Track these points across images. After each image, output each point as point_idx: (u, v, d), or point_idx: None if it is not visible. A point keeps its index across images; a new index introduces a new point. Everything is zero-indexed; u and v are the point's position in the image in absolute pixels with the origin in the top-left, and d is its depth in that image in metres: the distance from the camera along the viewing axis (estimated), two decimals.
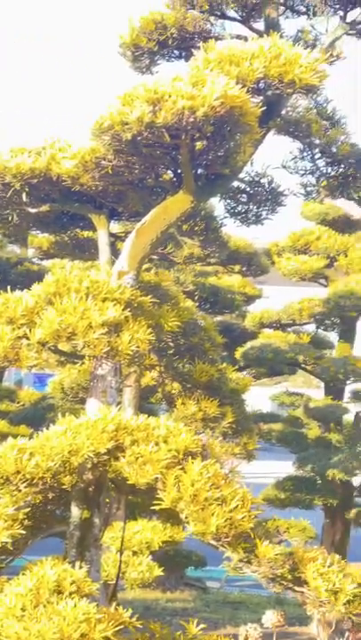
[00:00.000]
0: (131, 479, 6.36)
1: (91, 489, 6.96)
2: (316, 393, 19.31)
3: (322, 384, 16.07)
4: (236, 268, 16.47)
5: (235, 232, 12.15)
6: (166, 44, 8.52)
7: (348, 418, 15.71)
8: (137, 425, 6.60)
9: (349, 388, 16.05)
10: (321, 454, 14.37)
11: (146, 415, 6.86)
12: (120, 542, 8.49)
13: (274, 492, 14.85)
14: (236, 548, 6.24)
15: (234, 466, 6.72)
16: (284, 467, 16.47)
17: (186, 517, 6.18)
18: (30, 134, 8.04)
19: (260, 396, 21.81)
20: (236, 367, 14.65)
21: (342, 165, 8.64)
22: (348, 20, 8.30)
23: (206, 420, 8.05)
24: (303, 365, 15.36)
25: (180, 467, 6.32)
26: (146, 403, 12.19)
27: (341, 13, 8.30)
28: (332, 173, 8.71)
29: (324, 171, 8.70)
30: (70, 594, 5.95)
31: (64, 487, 6.55)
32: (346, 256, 15.63)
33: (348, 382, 15.02)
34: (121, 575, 9.08)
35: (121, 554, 8.67)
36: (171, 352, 8.80)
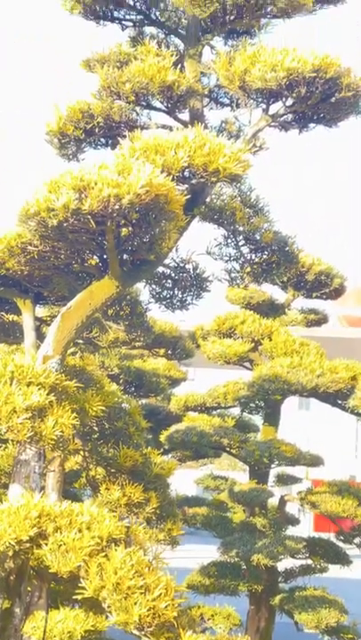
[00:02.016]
0: (53, 568, 6.27)
1: (12, 578, 6.83)
2: (242, 476, 19.33)
3: (247, 467, 16.08)
4: (162, 351, 16.54)
5: (160, 315, 12.25)
6: (93, 132, 8.65)
7: (273, 502, 15.71)
8: (60, 511, 6.53)
9: (274, 471, 16.08)
10: (246, 539, 14.30)
11: (70, 501, 6.79)
12: (42, 632, 8.30)
13: (198, 579, 14.70)
14: (160, 637, 6.16)
15: (158, 552, 6.65)
16: (209, 550, 16.34)
17: (108, 606, 6.10)
18: None
19: (184, 479, 21.73)
20: (161, 451, 14.60)
21: (266, 252, 8.79)
22: (271, 112, 8.53)
23: (130, 506, 7.99)
24: (228, 449, 15.37)
25: (104, 554, 6.25)
26: (70, 487, 12.06)
27: (264, 106, 8.52)
28: (256, 260, 8.85)
29: (249, 257, 8.84)
30: None
31: None
32: (270, 340, 15.80)
33: (272, 466, 15.05)
34: None
35: None
36: (95, 436, 8.75)
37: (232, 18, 8.43)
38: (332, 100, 8.25)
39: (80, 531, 6.31)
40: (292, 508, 17.74)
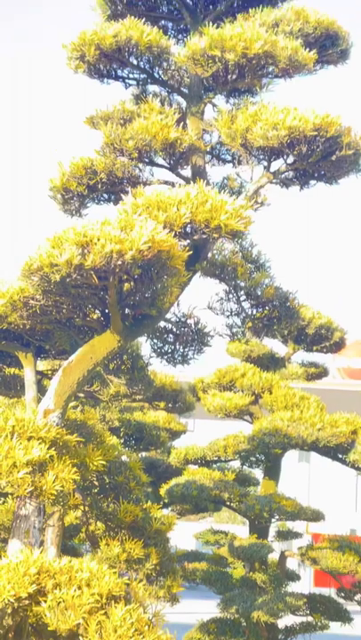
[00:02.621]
0: (52, 625, 6.21)
1: (10, 635, 6.76)
2: (242, 529, 19.19)
3: (247, 520, 15.98)
4: (162, 404, 16.53)
5: (160, 367, 12.28)
6: (96, 188, 8.74)
7: (274, 557, 15.59)
8: (60, 567, 6.49)
9: (274, 525, 15.97)
10: (246, 595, 14.16)
11: (69, 556, 6.76)
12: None
13: (198, 636, 14.53)
14: None
15: (157, 610, 6.60)
16: (209, 605, 16.16)
17: None
18: None
19: (184, 532, 21.57)
20: (161, 505, 14.54)
21: (267, 307, 8.85)
22: (272, 169, 8.63)
23: (130, 562, 7.94)
24: (228, 503, 15.28)
25: (103, 611, 6.20)
26: (69, 541, 11.98)
27: (265, 163, 8.63)
28: (257, 315, 8.90)
29: (250, 312, 8.89)
30: None
31: None
32: (270, 393, 15.79)
33: (273, 520, 14.96)
34: None
35: None
36: (95, 491, 8.73)
37: (234, 77, 8.55)
38: (333, 157, 8.35)
39: (79, 587, 6.27)
40: (292, 563, 17.60)
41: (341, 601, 15.39)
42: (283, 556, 15.52)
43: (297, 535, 16.89)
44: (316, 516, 15.17)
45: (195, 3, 9.09)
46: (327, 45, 9.01)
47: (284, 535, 16.43)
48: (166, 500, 16.02)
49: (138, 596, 6.62)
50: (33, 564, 6.42)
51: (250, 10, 8.71)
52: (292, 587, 15.81)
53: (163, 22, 9.40)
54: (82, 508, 8.63)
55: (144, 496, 9.14)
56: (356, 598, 15.05)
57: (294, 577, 16.74)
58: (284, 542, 17.37)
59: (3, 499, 8.84)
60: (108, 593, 6.28)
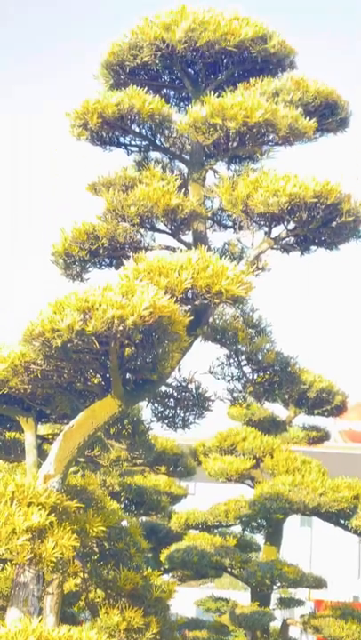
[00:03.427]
0: None
1: None
2: (243, 595, 18.93)
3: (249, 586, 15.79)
4: (163, 468, 16.43)
5: (161, 430, 12.26)
6: (98, 253, 8.80)
7: (275, 625, 15.38)
8: (59, 636, 6.41)
9: (276, 593, 15.77)
10: None
11: (68, 626, 6.67)
12: None
13: None
14: None
15: None
16: None
17: None
18: None
19: (184, 599, 21.28)
20: (162, 571, 14.37)
21: (268, 372, 8.85)
22: (273, 235, 8.71)
23: (130, 631, 7.84)
24: (229, 569, 15.12)
25: None
26: (68, 608, 11.82)
27: (266, 229, 8.70)
28: (258, 379, 8.90)
29: (251, 377, 8.90)
30: None
31: None
32: (272, 457, 15.71)
33: (274, 588, 14.78)
34: None
35: None
36: (95, 557, 8.65)
37: (235, 145, 8.66)
38: (333, 224, 8.43)
39: None
40: (294, 631, 17.33)
41: None
42: (285, 625, 15.31)
43: (299, 602, 16.69)
44: (318, 583, 14.99)
45: (196, 72, 9.24)
46: (327, 114, 9.15)
47: (287, 602, 16.22)
48: (167, 566, 15.85)
49: None
50: (32, 633, 6.34)
51: (250, 79, 8.85)
52: None
53: (165, 91, 9.55)
54: (81, 575, 8.55)
55: (144, 562, 9.06)
56: None
57: None
58: (286, 610, 17.13)
59: (2, 565, 8.74)
60: None
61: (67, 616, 11.04)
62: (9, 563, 7.61)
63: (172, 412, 8.67)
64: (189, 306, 7.94)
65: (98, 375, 7.83)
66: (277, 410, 17.37)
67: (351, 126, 9.37)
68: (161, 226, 8.86)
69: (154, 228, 8.87)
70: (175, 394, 8.67)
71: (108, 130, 8.97)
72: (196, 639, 15.96)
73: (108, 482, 14.77)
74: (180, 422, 8.63)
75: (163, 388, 8.56)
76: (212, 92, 8.71)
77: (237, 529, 17.13)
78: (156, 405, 8.72)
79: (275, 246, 8.78)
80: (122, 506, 15.61)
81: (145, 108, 8.67)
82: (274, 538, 15.77)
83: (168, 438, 16.01)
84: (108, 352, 7.26)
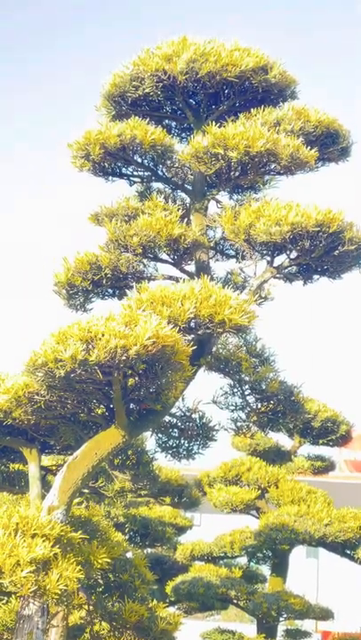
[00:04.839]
0: None
1: None
2: (250, 627, 18.74)
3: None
4: (168, 499, 16.35)
5: (165, 461, 12.23)
6: (100, 283, 8.80)
7: None
8: None
9: (283, 624, 15.64)
10: None
11: None
12: None
13: None
14: None
15: None
16: None
17: None
18: None
19: (191, 631, 21.08)
20: (167, 603, 14.27)
21: (272, 402, 8.81)
22: (275, 264, 8.71)
23: None
24: (235, 601, 15.00)
25: None
26: None
27: (269, 258, 8.70)
28: (262, 409, 8.85)
29: (255, 406, 8.85)
30: None
31: None
32: (277, 487, 15.65)
33: (281, 619, 14.66)
34: None
35: None
36: (100, 589, 8.59)
37: (237, 174, 8.69)
38: (336, 252, 8.43)
39: None
40: None
41: None
42: None
43: (306, 634, 16.55)
44: (325, 615, 14.87)
45: (198, 102, 9.29)
46: (328, 143, 9.18)
47: (293, 634, 16.08)
48: (172, 598, 15.73)
49: None
50: None
51: (252, 109, 8.89)
52: None
53: (166, 121, 9.59)
54: (86, 607, 8.48)
55: (150, 594, 8.99)
56: None
57: None
58: None
59: (6, 598, 8.68)
60: None
61: None
62: (13, 595, 7.56)
63: (177, 442, 8.64)
64: (192, 335, 7.93)
65: (101, 405, 7.80)
66: (282, 440, 17.33)
67: (353, 155, 9.40)
68: (164, 256, 8.87)
69: (156, 258, 8.87)
70: (179, 424, 8.64)
71: (111, 161, 9.00)
72: None
73: (112, 513, 14.70)
74: (185, 452, 8.59)
75: (167, 418, 8.53)
76: (213, 123, 8.74)
77: (243, 560, 17.02)
78: (160, 436, 8.69)
79: (277, 275, 8.78)
80: (127, 537, 15.53)
81: (147, 138, 8.71)
82: (280, 569, 15.66)
83: (173, 469, 15.96)
84: (111, 382, 7.24)
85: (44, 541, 6.96)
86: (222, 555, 16.35)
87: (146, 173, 9.30)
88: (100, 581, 8.47)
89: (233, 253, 9.47)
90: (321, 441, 16.64)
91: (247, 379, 8.65)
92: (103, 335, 6.82)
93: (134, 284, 8.28)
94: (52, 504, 7.56)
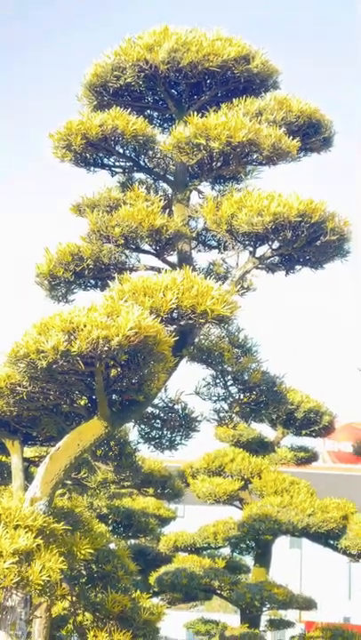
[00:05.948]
0: None
1: None
2: (233, 617, 18.81)
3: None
4: (151, 490, 16.36)
5: (149, 452, 12.22)
6: (82, 274, 8.78)
7: None
8: None
9: (266, 614, 15.68)
10: None
11: None
12: None
13: None
14: None
15: None
16: None
17: None
18: None
19: (174, 622, 21.15)
20: (150, 594, 14.29)
21: (254, 392, 8.80)
22: (258, 254, 8.70)
23: None
24: (219, 591, 15.04)
25: None
26: (57, 632, 11.72)
27: (251, 249, 8.69)
28: (245, 400, 8.85)
29: (237, 397, 8.85)
30: None
31: None
32: (260, 478, 15.67)
33: (264, 609, 14.70)
34: None
35: None
36: (83, 580, 8.59)
37: (219, 165, 8.67)
38: (318, 243, 8.43)
39: None
40: None
41: None
42: None
43: (289, 624, 16.61)
44: (308, 605, 14.92)
45: (179, 92, 9.26)
46: (310, 133, 9.17)
47: (277, 624, 16.13)
48: (156, 589, 15.76)
49: None
50: None
51: (234, 100, 8.87)
52: None
53: (148, 112, 9.56)
54: (69, 598, 8.48)
55: (133, 585, 8.99)
56: None
57: None
58: (276, 631, 17.03)
59: None
60: None
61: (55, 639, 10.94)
62: None
63: (159, 433, 8.63)
64: (175, 326, 7.92)
65: (84, 397, 7.79)
66: (265, 431, 17.36)
67: (335, 145, 9.40)
68: (146, 246, 8.85)
69: (138, 249, 8.85)
70: (162, 415, 8.64)
71: (92, 151, 8.97)
72: None
73: (95, 504, 14.69)
74: (167, 443, 8.59)
75: (149, 409, 8.52)
76: (195, 113, 8.73)
77: (226, 551, 17.06)
78: (142, 427, 8.68)
79: (260, 266, 8.77)
80: (110, 528, 15.54)
81: (128, 128, 8.68)
82: (263, 559, 15.71)
83: (156, 460, 15.96)
84: (93, 373, 7.22)
85: (26, 532, 6.95)
86: (206, 545, 16.37)
87: (128, 164, 9.27)
88: (84, 572, 8.46)
89: (215, 244, 9.46)
90: (304, 432, 16.67)
91: (230, 369, 8.64)
92: (85, 326, 6.80)
93: (116, 274, 8.26)
94: (34, 495, 7.55)
